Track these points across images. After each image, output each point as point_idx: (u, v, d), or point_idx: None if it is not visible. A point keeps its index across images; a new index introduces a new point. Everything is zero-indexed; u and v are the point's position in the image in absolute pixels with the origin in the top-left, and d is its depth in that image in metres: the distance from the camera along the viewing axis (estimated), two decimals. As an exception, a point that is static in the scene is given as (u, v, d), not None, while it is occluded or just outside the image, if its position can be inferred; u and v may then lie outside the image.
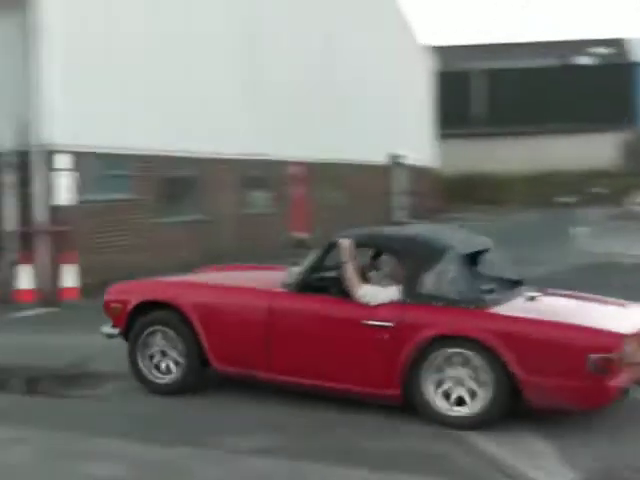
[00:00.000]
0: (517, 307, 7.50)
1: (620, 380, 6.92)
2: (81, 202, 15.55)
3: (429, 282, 7.31)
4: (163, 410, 7.91)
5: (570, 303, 8.09)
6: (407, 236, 8.02)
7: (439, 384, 7.19)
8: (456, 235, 8.32)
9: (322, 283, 7.78)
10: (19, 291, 14.22)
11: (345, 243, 7.59)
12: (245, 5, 21.67)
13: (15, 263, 14.51)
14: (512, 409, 7.15)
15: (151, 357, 8.24)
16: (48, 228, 14.91)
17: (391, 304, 7.35)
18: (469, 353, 7.04)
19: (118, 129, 16.58)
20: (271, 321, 7.68)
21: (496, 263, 8.12)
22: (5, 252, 14.87)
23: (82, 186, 15.56)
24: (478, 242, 8.24)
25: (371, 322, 7.30)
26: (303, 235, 23.39)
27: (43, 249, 14.93)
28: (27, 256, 14.38)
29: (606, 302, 8.27)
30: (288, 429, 7.27)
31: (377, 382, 7.33)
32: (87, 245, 15.43)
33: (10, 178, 14.81)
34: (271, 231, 22.36)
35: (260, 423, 7.41)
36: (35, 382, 9.04)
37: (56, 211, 15.05)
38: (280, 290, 7.88)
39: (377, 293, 7.44)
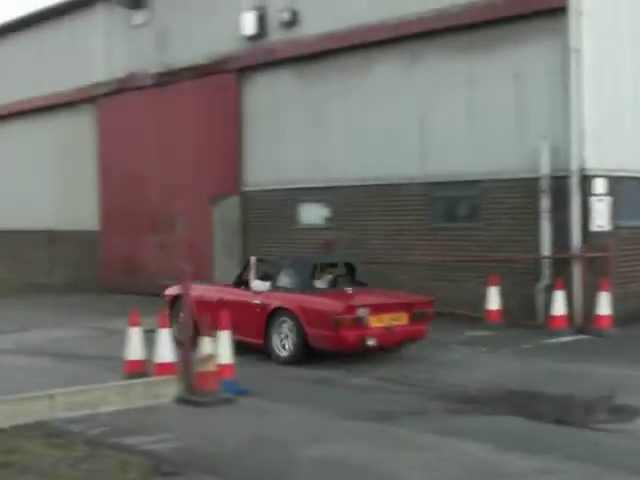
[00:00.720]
0: (327, 294, 12.44)
1: (355, 334, 11.42)
2: (616, 227, 15.09)
3: (281, 279, 12.67)
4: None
5: (351, 291, 12.60)
6: (279, 257, 15.18)
7: (279, 337, 12.10)
8: (319, 256, 15.70)
9: (245, 281, 13.21)
10: (553, 317, 14.17)
11: (252, 259, 13.25)
12: None
13: (550, 289, 14.46)
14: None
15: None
16: (583, 254, 14.62)
17: (265, 292, 12.60)
18: (287, 317, 11.99)
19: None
20: (219, 302, 12.85)
21: (360, 273, 13.30)
22: (541, 277, 14.89)
23: (618, 211, 15.10)
24: (333, 258, 14.40)
25: (255, 301, 12.58)
26: None
27: (578, 275, 14.68)
28: (562, 282, 14.22)
29: (374, 291, 13.10)
30: None
31: (257, 336, 12.36)
32: (622, 272, 14.89)
33: (545, 203, 14.84)
34: None
35: None
36: (561, 410, 8.84)
37: (591, 236, 14.72)
38: (227, 286, 13.71)
39: (260, 285, 12.78)
